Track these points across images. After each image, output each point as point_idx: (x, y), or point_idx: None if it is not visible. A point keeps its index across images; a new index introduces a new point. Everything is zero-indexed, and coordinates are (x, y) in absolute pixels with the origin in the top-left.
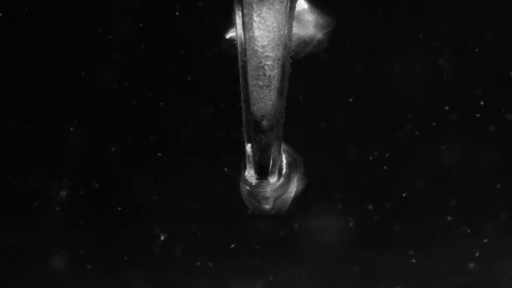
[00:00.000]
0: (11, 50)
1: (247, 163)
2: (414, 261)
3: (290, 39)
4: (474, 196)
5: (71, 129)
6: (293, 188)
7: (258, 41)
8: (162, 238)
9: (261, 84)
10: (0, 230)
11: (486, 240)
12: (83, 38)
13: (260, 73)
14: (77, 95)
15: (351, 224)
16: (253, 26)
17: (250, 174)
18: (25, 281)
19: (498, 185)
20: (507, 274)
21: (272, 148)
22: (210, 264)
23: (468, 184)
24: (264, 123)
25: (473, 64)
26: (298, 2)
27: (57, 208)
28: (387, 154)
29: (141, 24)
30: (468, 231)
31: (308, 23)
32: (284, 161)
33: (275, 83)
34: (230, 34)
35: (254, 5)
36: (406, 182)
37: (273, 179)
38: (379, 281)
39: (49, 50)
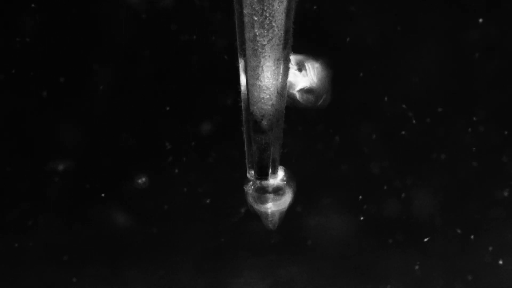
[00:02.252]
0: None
1: (247, 163)
2: (417, 261)
3: (290, 38)
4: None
5: (72, 127)
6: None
7: (258, 41)
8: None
9: (261, 84)
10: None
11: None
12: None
13: (260, 73)
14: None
15: (352, 224)
16: (253, 26)
17: (250, 174)
18: (25, 281)
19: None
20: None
21: (272, 148)
22: (210, 264)
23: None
24: (264, 123)
25: None
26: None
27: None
28: (388, 154)
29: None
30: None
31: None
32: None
33: (275, 83)
34: None
35: (254, 5)
36: (406, 183)
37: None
38: (381, 281)
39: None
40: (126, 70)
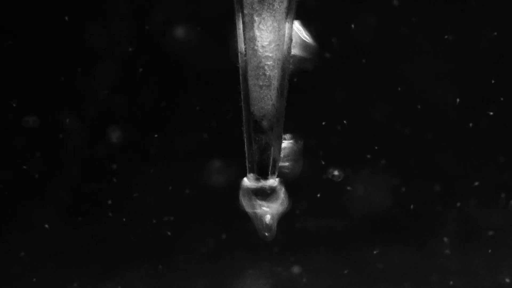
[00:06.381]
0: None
1: (247, 163)
2: (417, 261)
3: (290, 39)
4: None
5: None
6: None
7: (258, 41)
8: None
9: (261, 84)
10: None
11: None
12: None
13: (260, 73)
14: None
15: (352, 224)
16: (253, 26)
17: (250, 174)
18: (24, 281)
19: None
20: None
21: (272, 148)
22: (210, 264)
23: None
24: (264, 123)
25: None
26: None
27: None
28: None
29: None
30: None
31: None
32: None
33: (275, 83)
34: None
35: (255, 5)
36: (405, 183)
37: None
38: (381, 281)
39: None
40: (124, 69)
